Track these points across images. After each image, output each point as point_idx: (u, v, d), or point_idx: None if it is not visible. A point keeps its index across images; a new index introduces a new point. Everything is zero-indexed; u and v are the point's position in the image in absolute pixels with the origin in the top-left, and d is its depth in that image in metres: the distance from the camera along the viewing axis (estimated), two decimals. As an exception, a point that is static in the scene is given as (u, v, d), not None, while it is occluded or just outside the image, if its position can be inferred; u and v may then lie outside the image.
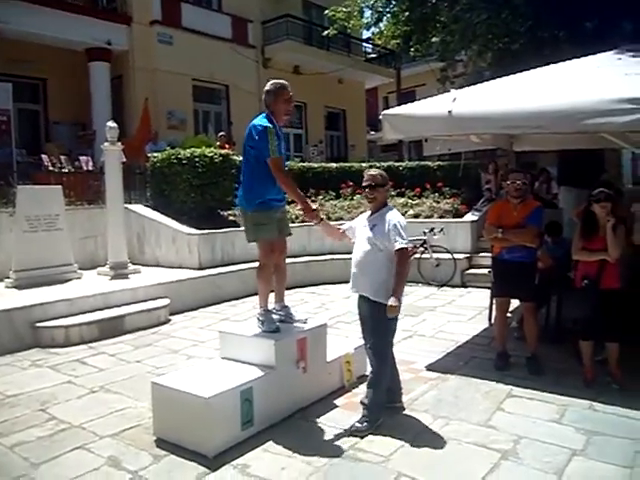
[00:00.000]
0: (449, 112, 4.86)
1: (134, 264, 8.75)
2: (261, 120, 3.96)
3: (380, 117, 5.50)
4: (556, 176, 10.82)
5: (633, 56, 5.52)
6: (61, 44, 14.10)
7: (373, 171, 3.99)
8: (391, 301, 3.60)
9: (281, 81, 4.14)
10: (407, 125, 5.34)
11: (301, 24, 19.30)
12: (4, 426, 3.95)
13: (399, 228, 3.72)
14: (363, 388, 4.41)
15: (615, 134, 5.13)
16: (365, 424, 3.74)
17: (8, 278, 7.51)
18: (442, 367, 5.02)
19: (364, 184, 3.91)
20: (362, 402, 3.90)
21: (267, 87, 4.10)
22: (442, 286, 9.17)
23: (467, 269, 9.45)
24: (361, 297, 3.92)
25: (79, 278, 8.09)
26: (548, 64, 5.91)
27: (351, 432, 3.69)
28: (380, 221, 3.81)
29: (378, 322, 3.77)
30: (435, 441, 3.55)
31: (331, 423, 3.88)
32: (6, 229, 8.17)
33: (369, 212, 4.01)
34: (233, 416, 3.50)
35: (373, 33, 14.91)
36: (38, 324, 6.16)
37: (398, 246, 3.69)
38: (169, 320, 7.21)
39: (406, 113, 5.35)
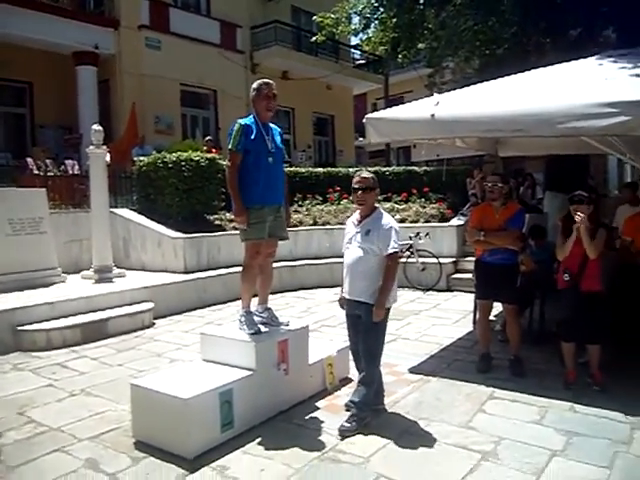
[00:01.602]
0: (432, 116, 4.89)
1: (119, 268, 8.70)
2: (243, 119, 4.03)
3: (364, 121, 5.51)
4: (542, 182, 10.94)
5: (614, 62, 5.59)
6: (48, 47, 14.02)
7: (365, 174, 3.96)
8: (378, 306, 3.69)
9: (264, 79, 4.21)
10: (391, 128, 5.36)
11: (290, 30, 19.38)
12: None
13: (395, 233, 3.77)
14: (345, 390, 4.46)
15: (599, 140, 5.19)
16: (354, 423, 3.73)
17: (-10, 282, 7.44)
18: (425, 370, 5.02)
19: (356, 186, 3.89)
20: (351, 401, 3.88)
21: (252, 86, 4.18)
22: (428, 290, 9.20)
23: (453, 273, 9.48)
24: (355, 301, 3.88)
25: (63, 282, 8.02)
26: (532, 69, 5.99)
27: (340, 432, 3.68)
28: (374, 226, 3.81)
29: (375, 325, 3.78)
30: (415, 442, 3.54)
31: (312, 425, 3.87)
32: (-11, 232, 8.09)
33: (357, 217, 3.99)
34: (212, 418, 3.48)
35: (361, 39, 14.96)
36: (20, 327, 6.09)
37: (391, 250, 3.74)
38: (153, 324, 7.17)
39: (390, 117, 5.38)
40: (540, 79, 5.33)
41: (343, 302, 4.05)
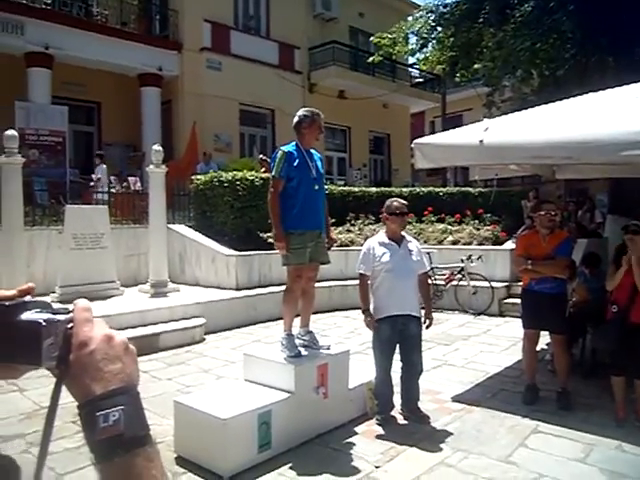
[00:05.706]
0: (480, 141, 4.86)
1: (174, 283, 8.98)
2: (285, 146, 4.16)
3: (412, 146, 5.53)
4: (607, 204, 10.58)
5: (674, 86, 5.39)
6: (116, 69, 14.76)
7: (400, 200, 4.42)
8: (431, 315, 4.49)
9: (315, 110, 4.28)
10: (439, 154, 5.36)
11: (347, 50, 19.57)
12: (35, 437, 4.11)
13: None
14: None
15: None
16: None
17: (54, 292, 7.83)
18: (468, 399, 4.93)
19: (402, 211, 4.34)
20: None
21: (302, 113, 4.29)
22: (479, 314, 9.03)
23: (505, 298, 9.26)
24: (408, 316, 4.26)
25: (121, 295, 8.36)
26: (589, 92, 5.84)
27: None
28: (412, 247, 4.38)
29: (421, 337, 4.43)
30: (450, 474, 3.50)
31: (349, 450, 3.88)
32: (55, 246, 8.55)
33: (385, 239, 4.38)
34: (250, 438, 3.56)
35: (418, 59, 14.94)
36: (78, 339, 6.39)
37: (428, 268, 4.60)
38: (204, 339, 7.36)
39: (437, 142, 5.38)
40: (593, 104, 5.20)
41: (374, 322, 4.33)
